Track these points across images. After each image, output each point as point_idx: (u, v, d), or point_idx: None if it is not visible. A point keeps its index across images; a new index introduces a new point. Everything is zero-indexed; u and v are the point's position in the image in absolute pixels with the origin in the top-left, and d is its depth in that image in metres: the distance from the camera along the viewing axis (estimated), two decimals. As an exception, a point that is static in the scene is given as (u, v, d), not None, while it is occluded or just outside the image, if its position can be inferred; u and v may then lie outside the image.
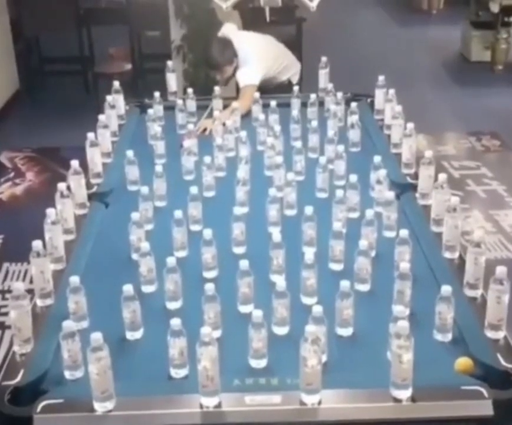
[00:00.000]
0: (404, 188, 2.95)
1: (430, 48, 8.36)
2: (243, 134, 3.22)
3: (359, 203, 2.77)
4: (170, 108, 3.68)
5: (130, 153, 3.06)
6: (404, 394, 1.82)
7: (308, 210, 2.53)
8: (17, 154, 5.93)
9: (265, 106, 3.56)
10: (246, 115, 3.63)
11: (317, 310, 1.94)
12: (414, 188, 2.93)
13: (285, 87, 4.18)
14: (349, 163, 3.03)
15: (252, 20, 5.67)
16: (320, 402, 1.82)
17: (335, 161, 3.04)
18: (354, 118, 3.37)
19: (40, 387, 1.93)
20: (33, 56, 7.47)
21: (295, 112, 3.47)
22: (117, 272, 2.45)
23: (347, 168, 3.00)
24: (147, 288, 2.36)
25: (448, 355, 2.04)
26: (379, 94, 3.63)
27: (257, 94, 3.66)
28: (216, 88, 3.77)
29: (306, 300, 2.26)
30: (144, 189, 2.77)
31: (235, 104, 3.62)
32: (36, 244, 2.27)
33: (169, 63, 4.01)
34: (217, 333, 2.06)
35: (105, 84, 4.62)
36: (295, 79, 4.29)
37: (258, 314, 1.97)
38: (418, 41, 8.64)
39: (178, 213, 2.54)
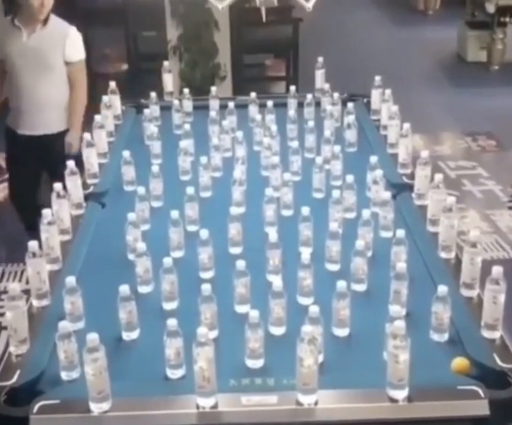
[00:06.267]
0: (401, 188, 2.95)
1: (427, 49, 8.37)
2: (239, 134, 3.22)
3: (355, 203, 2.77)
4: (166, 109, 3.67)
5: (126, 154, 3.06)
6: (401, 394, 1.83)
7: (305, 210, 2.53)
8: (14, 155, 5.91)
9: (262, 106, 3.56)
10: (243, 116, 3.62)
11: (314, 310, 1.94)
12: (410, 188, 2.93)
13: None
14: (345, 164, 3.03)
15: (248, 20, 5.67)
16: (316, 403, 1.83)
17: (331, 161, 3.03)
18: (350, 119, 3.37)
19: (36, 388, 1.93)
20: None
21: (291, 112, 3.46)
22: (113, 272, 2.45)
23: (343, 168, 3.00)
24: (144, 289, 2.36)
25: (444, 355, 2.04)
26: (375, 95, 3.63)
27: (253, 94, 3.65)
28: (213, 88, 3.77)
29: (302, 300, 2.26)
30: (141, 190, 2.77)
31: None
32: (32, 245, 2.27)
33: (165, 63, 4.00)
34: (213, 334, 2.05)
35: (101, 84, 4.61)
36: None
37: (254, 314, 1.97)
38: (414, 41, 8.64)
39: (174, 214, 2.53)
